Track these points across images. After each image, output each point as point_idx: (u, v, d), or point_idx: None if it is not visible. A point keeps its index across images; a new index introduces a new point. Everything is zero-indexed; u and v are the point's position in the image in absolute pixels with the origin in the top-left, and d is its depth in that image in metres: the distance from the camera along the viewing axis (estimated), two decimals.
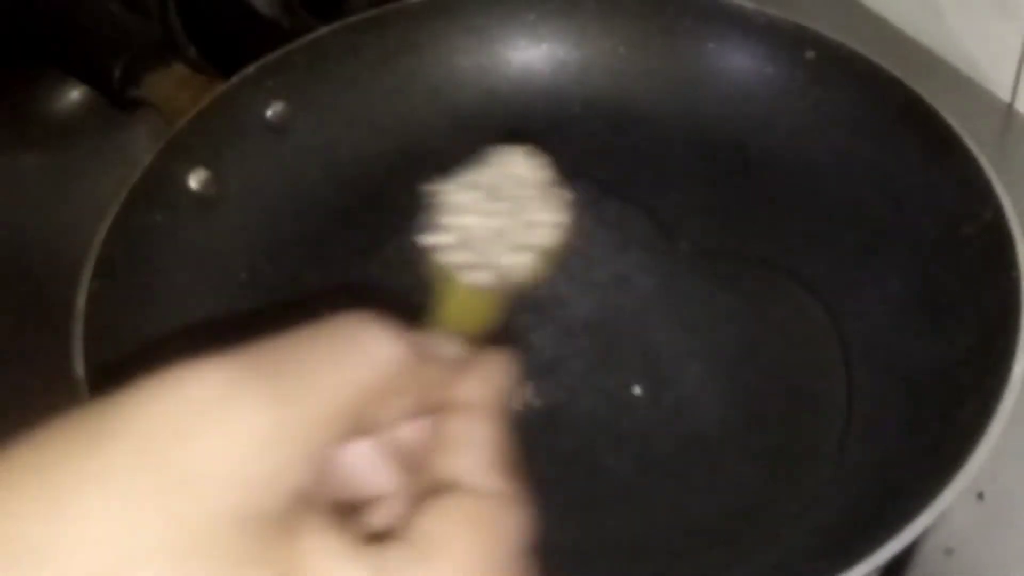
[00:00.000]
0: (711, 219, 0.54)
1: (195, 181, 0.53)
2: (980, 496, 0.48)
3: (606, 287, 0.52)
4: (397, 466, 0.27)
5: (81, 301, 0.46)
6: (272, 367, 0.24)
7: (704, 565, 0.43)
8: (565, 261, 0.35)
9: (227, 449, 0.22)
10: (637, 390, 0.49)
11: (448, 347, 0.29)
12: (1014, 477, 0.48)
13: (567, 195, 0.35)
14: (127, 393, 0.23)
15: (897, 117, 0.52)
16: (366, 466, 0.27)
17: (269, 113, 0.56)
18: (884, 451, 0.45)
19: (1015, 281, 0.44)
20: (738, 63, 0.57)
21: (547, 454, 0.47)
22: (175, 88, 0.57)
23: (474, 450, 0.27)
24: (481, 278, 0.33)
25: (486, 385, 0.29)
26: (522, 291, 0.34)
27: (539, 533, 0.45)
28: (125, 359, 0.47)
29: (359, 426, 0.25)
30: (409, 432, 0.28)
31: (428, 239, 0.34)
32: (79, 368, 0.43)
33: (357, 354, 0.25)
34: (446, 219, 0.34)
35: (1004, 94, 0.63)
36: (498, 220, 0.34)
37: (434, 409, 0.28)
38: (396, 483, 0.27)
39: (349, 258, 0.54)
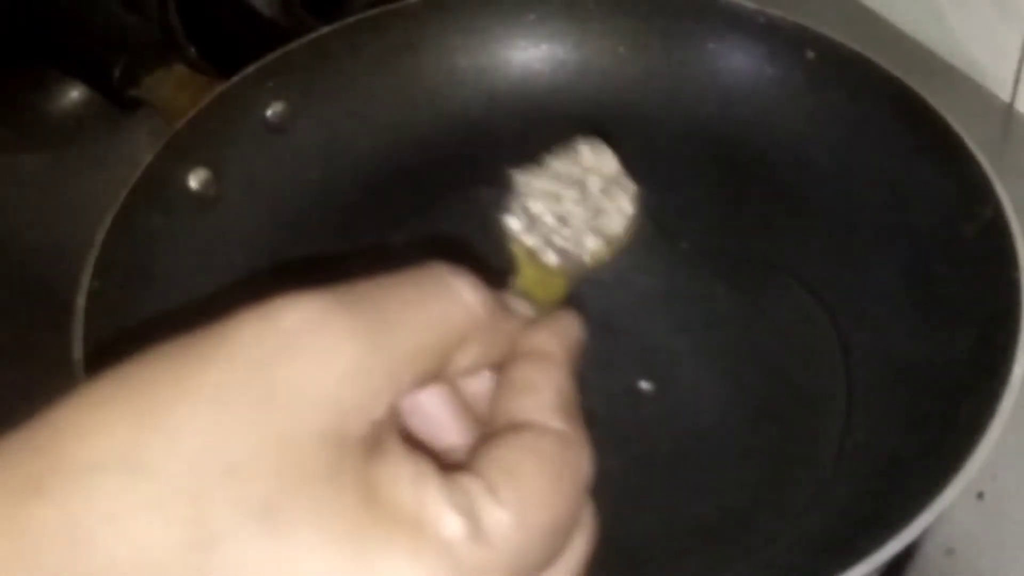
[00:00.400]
0: (711, 219, 0.54)
1: (195, 181, 0.53)
2: (980, 496, 0.48)
3: (606, 287, 0.52)
4: (466, 419, 0.28)
5: (81, 301, 0.46)
6: (365, 301, 0.24)
7: (704, 565, 0.43)
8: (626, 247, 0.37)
9: (319, 373, 0.23)
10: (644, 385, 0.48)
11: (523, 306, 0.30)
12: (1014, 477, 0.48)
13: (635, 186, 0.37)
14: (225, 321, 0.23)
15: (897, 117, 0.52)
16: (438, 416, 0.27)
17: (269, 113, 0.56)
18: (884, 451, 0.45)
19: (1015, 281, 0.44)
20: (738, 63, 0.57)
21: None
22: (175, 88, 0.57)
23: (543, 392, 0.28)
24: (551, 260, 0.35)
25: (555, 337, 0.29)
26: (589, 275, 0.36)
27: None
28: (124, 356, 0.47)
29: (438, 370, 0.26)
30: (479, 384, 0.28)
31: (505, 221, 0.36)
32: (79, 368, 0.43)
33: (445, 297, 0.26)
34: (521, 203, 0.36)
35: (1004, 94, 0.63)
36: (570, 206, 0.36)
37: (503, 362, 0.28)
38: (464, 434, 0.27)
39: (349, 257, 0.54)
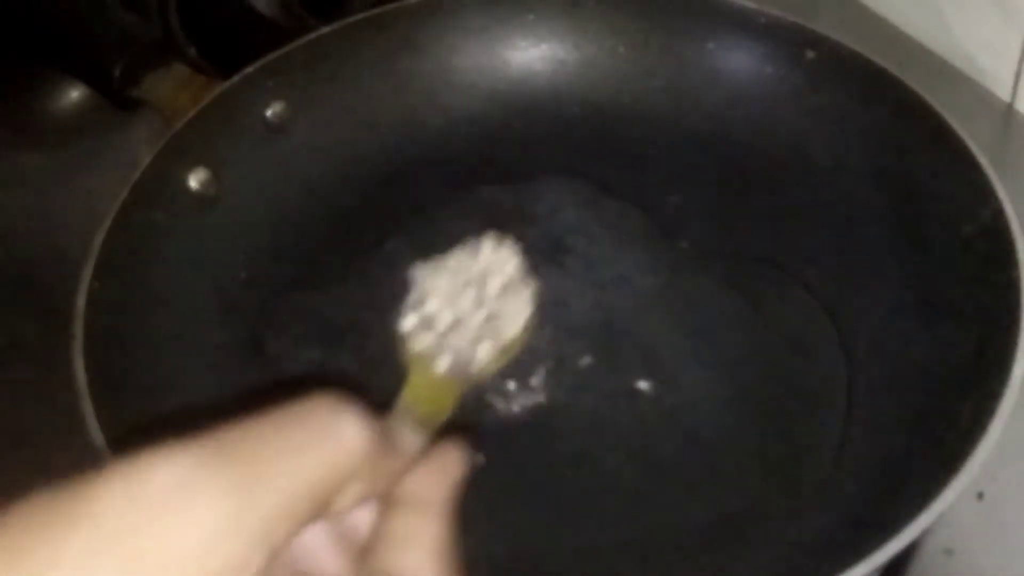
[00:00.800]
0: (711, 219, 0.54)
1: (195, 181, 0.53)
2: (980, 496, 0.48)
3: (606, 287, 0.52)
4: (345, 550, 0.28)
5: (81, 301, 0.46)
6: (237, 454, 0.24)
7: (704, 565, 0.43)
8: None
9: (186, 539, 0.22)
10: (643, 385, 0.48)
11: (410, 437, 0.30)
12: (1014, 477, 0.48)
13: (534, 286, 0.36)
14: (92, 479, 0.23)
15: (897, 117, 0.52)
16: (317, 548, 0.27)
17: (269, 113, 0.56)
18: (884, 451, 0.45)
19: (1015, 281, 0.44)
20: (738, 63, 0.57)
21: (547, 454, 0.47)
22: (175, 88, 0.57)
23: (419, 549, 0.28)
24: (442, 368, 0.34)
25: (437, 481, 0.29)
26: (481, 382, 0.35)
27: (539, 533, 0.45)
28: (125, 361, 0.47)
29: (318, 515, 0.25)
30: (359, 517, 0.28)
31: (400, 322, 0.35)
32: (79, 368, 0.43)
33: (326, 441, 0.25)
34: (417, 303, 0.35)
35: (1004, 94, 0.63)
36: (467, 309, 0.35)
37: (386, 497, 0.28)
38: (343, 567, 0.27)
39: (349, 257, 0.54)
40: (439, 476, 0.29)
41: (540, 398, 0.48)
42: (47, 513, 0.23)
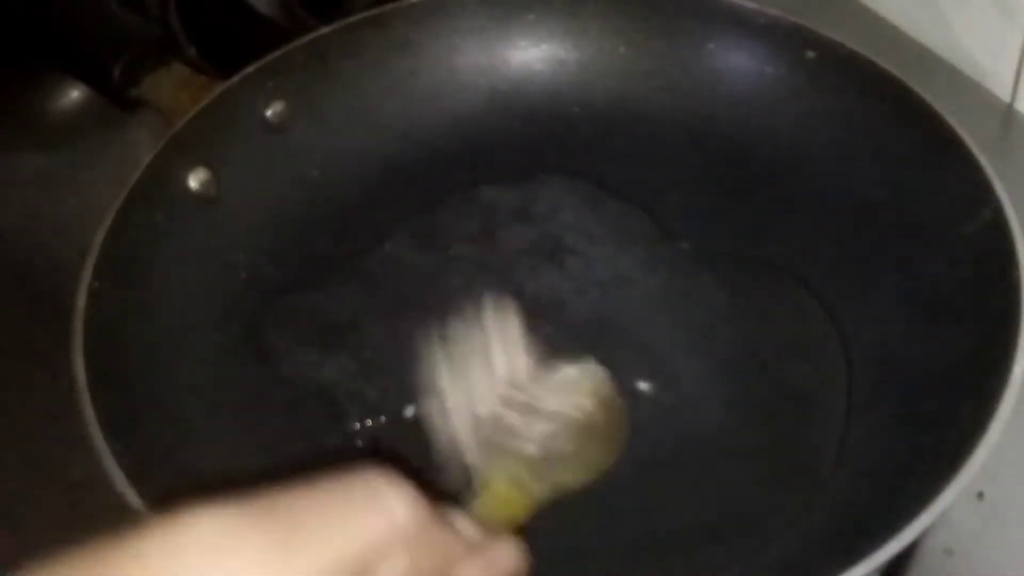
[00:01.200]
0: (711, 219, 0.54)
1: (195, 181, 0.53)
2: (980, 496, 0.48)
3: (606, 287, 0.52)
4: None
5: (81, 301, 0.46)
6: (280, 515, 0.24)
7: (703, 565, 0.43)
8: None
9: None
10: (643, 385, 0.48)
11: (464, 524, 0.30)
12: (1014, 477, 0.48)
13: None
14: (135, 535, 0.23)
15: (897, 117, 0.52)
16: None
17: (269, 113, 0.56)
18: (884, 451, 0.45)
19: (1015, 281, 0.44)
20: (738, 63, 0.57)
21: None
22: (175, 88, 0.57)
23: None
24: (516, 482, 0.35)
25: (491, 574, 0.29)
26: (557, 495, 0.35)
27: (538, 533, 0.45)
28: (125, 360, 0.47)
29: None
30: None
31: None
32: (79, 368, 0.43)
33: (373, 508, 0.26)
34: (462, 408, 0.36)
35: (1004, 94, 0.63)
36: (517, 414, 0.35)
37: None
38: None
39: (349, 257, 0.54)
40: (491, 570, 0.30)
41: None
42: (95, 561, 0.23)
